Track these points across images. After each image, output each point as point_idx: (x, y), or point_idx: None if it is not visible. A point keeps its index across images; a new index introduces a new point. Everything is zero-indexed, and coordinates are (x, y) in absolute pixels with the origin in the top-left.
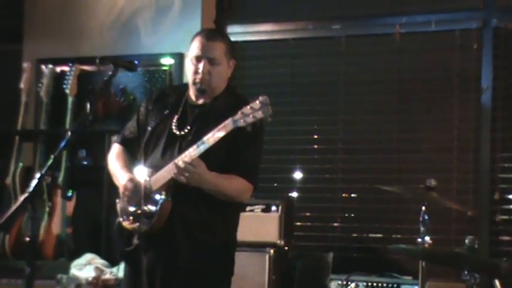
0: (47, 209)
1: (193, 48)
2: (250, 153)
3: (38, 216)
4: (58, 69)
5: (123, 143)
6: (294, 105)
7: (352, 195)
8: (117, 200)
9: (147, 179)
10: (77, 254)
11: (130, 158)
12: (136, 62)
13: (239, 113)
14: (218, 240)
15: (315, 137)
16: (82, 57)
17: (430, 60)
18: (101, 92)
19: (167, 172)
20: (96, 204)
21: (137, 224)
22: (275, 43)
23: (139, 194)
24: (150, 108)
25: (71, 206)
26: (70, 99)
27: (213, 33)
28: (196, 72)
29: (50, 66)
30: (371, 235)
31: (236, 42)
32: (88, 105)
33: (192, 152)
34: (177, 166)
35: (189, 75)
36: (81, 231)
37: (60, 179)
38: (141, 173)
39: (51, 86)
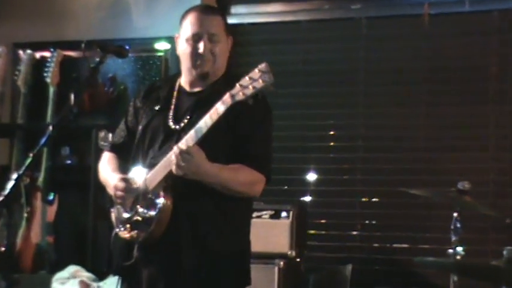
0: (25, 214)
1: (189, 26)
2: (259, 138)
3: (15, 222)
4: (38, 54)
5: (113, 149)
6: (307, 97)
7: (374, 199)
8: (112, 209)
9: (143, 179)
10: (59, 266)
11: (123, 163)
12: (127, 47)
13: (237, 85)
14: (229, 245)
15: (331, 133)
16: (65, 41)
17: (463, 46)
18: (87, 81)
19: (163, 167)
20: (81, 209)
21: (135, 231)
22: (285, 26)
23: (134, 196)
24: (139, 106)
25: (52, 211)
26: (52, 90)
27: (208, 7)
28: (195, 53)
29: (29, 51)
30: (395, 245)
31: (241, 24)
32: (72, 97)
33: (188, 139)
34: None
35: (184, 59)
36: (64, 240)
37: (40, 180)
38: (137, 174)
39: (29, 74)
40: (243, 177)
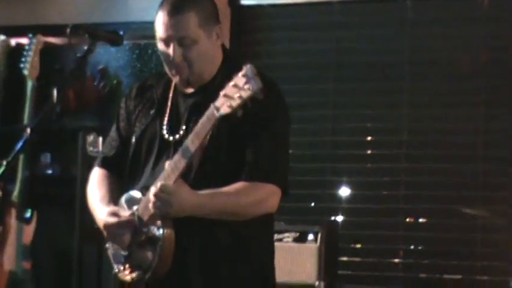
0: None
1: (157, 27)
2: (266, 141)
3: None
4: (13, 41)
5: (105, 164)
6: (340, 94)
7: (420, 220)
8: (107, 244)
9: (135, 208)
10: None
11: (118, 183)
12: (121, 33)
13: (220, 96)
14: (247, 274)
15: (369, 138)
16: (47, 26)
17: None
18: (72, 74)
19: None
20: (64, 228)
21: (137, 272)
22: (314, 8)
23: (128, 232)
24: (132, 109)
25: (29, 231)
26: (30, 84)
27: (177, 4)
28: (168, 61)
29: (2, 37)
30: (446, 276)
31: (260, 6)
32: (55, 93)
33: (176, 165)
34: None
35: (163, 62)
36: (43, 267)
37: (16, 193)
38: (132, 200)
39: (3, 66)
40: (246, 198)
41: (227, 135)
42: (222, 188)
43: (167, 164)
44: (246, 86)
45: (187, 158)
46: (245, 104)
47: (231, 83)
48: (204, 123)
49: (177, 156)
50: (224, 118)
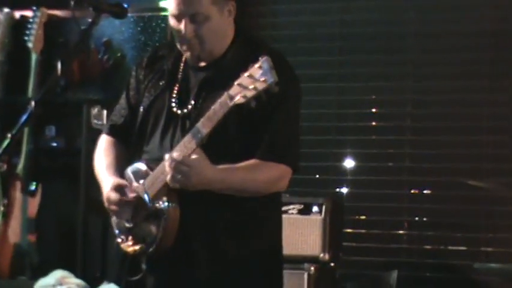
0: (2, 208)
1: (170, 2)
2: (279, 121)
3: None
4: (17, 14)
5: (113, 132)
6: (344, 66)
7: (425, 191)
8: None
9: (141, 182)
10: (43, 271)
11: (125, 151)
12: (125, 6)
13: (235, 85)
14: (255, 251)
15: (373, 110)
16: None
17: None
18: (76, 47)
19: (161, 172)
20: (69, 201)
21: (140, 245)
22: None
23: (131, 208)
24: (141, 79)
25: (34, 204)
26: (34, 57)
27: None
28: (179, 36)
29: (6, 9)
30: (451, 248)
31: None
32: (59, 65)
33: (185, 145)
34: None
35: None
36: (48, 239)
37: (20, 166)
38: (137, 172)
39: (7, 38)
40: (262, 176)
41: (237, 115)
42: (238, 164)
43: (177, 145)
44: (262, 79)
45: (198, 140)
46: (259, 96)
47: (246, 74)
48: (216, 110)
49: (187, 138)
50: (237, 107)
